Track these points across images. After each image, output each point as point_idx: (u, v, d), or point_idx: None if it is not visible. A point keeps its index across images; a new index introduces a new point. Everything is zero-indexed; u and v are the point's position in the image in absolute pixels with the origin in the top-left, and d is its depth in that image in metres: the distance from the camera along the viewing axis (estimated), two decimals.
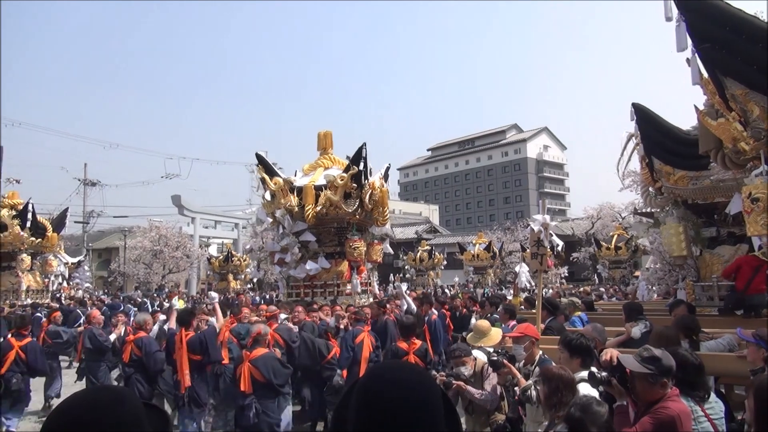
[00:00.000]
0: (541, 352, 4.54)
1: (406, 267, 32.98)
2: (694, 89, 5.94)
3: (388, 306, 9.42)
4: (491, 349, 5.04)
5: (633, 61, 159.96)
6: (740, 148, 5.44)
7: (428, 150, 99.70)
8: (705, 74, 5.52)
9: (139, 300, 20.28)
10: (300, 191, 11.47)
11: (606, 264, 27.92)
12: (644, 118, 7.96)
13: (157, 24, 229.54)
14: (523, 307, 9.48)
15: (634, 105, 7.99)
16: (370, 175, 11.91)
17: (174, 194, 40.43)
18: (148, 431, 1.18)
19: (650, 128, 8.00)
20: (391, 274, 29.45)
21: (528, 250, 8.66)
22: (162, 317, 8.63)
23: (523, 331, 4.57)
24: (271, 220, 12.10)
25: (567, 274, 30.90)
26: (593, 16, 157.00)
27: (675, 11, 5.10)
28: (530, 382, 3.98)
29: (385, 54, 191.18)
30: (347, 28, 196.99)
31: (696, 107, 6.42)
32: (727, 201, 6.87)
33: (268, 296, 22.52)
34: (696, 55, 5.27)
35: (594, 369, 3.42)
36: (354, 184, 11.32)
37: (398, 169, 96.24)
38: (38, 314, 11.67)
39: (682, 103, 9.44)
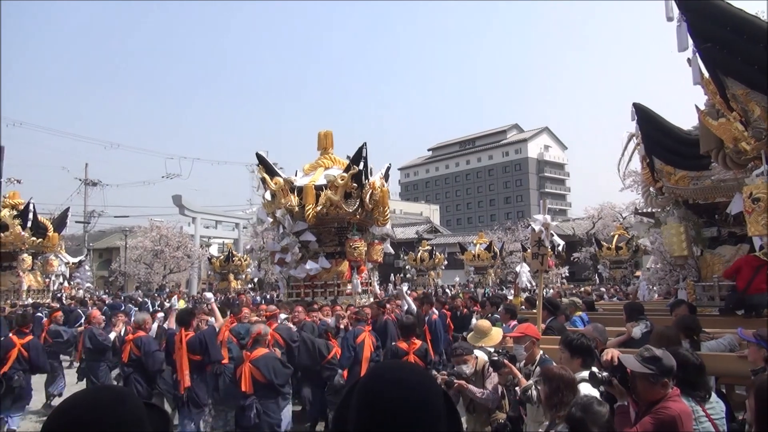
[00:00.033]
0: (541, 352, 4.54)
1: (407, 267, 33.00)
2: (694, 89, 5.94)
3: (388, 306, 9.42)
4: (492, 349, 5.04)
5: (633, 61, 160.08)
6: (741, 148, 5.44)
7: (429, 150, 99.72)
8: (706, 74, 5.51)
9: (140, 300, 20.30)
10: (300, 191, 11.47)
11: (607, 264, 27.92)
12: (645, 118, 7.95)
13: (157, 24, 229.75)
14: (523, 307, 9.48)
15: (635, 105, 7.99)
16: (371, 174, 11.91)
17: (175, 194, 40.45)
18: (149, 431, 1.18)
19: (651, 128, 7.99)
20: (392, 274, 29.48)
21: (529, 250, 8.66)
22: (160, 315, 8.63)
23: (524, 331, 4.57)
24: (271, 219, 12.10)
25: (568, 274, 30.90)
26: (593, 16, 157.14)
27: (676, 11, 5.10)
28: (531, 382, 3.98)
29: (385, 54, 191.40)
30: (347, 28, 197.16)
31: (697, 107, 6.42)
32: (728, 201, 6.86)
33: (268, 296, 22.55)
34: (697, 54, 5.26)
35: (595, 369, 3.42)
36: (354, 184, 11.32)
37: (399, 169, 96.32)
38: (39, 314, 11.68)
39: (683, 103, 9.46)
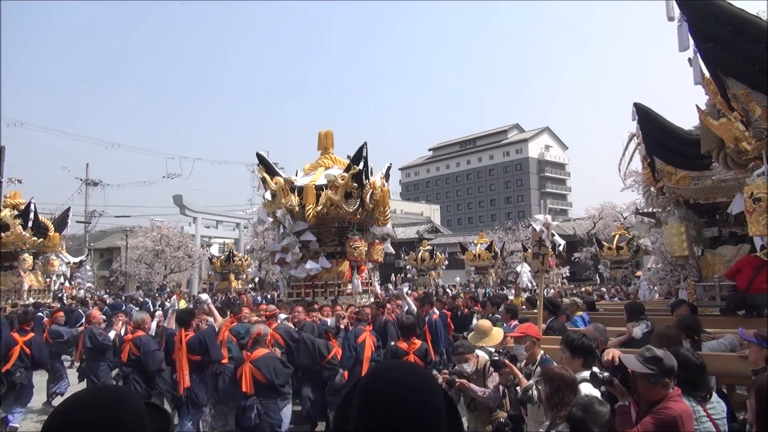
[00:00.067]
0: (542, 352, 4.54)
1: (408, 267, 33.00)
2: (694, 89, 5.93)
3: (388, 306, 9.41)
4: (493, 349, 5.04)
5: (633, 61, 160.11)
6: (742, 148, 5.43)
7: (429, 150, 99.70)
8: (707, 74, 5.51)
9: (141, 300, 20.31)
10: (301, 191, 11.47)
11: (607, 264, 27.91)
12: (646, 117, 7.95)
13: (157, 24, 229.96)
14: (524, 307, 9.47)
15: (635, 105, 7.98)
16: (371, 174, 11.90)
17: (175, 194, 40.42)
18: (150, 431, 1.18)
19: (652, 128, 7.99)
20: (393, 274, 29.51)
21: (529, 250, 8.65)
22: (158, 313, 8.60)
23: (525, 331, 4.57)
24: (271, 219, 12.10)
25: (568, 274, 30.88)
26: (593, 16, 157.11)
27: (677, 11, 5.10)
28: (531, 381, 3.98)
29: (385, 54, 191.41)
30: (347, 28, 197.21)
31: (698, 107, 6.41)
32: (728, 201, 6.85)
33: (269, 296, 22.54)
34: (698, 54, 5.26)
35: (596, 369, 3.42)
36: (355, 184, 11.32)
37: (400, 169, 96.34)
38: (40, 314, 11.69)
39: (683, 103, 9.45)
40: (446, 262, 32.89)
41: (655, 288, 12.63)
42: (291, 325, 7.72)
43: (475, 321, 8.81)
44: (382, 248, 12.87)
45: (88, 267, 26.45)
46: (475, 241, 32.49)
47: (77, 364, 10.12)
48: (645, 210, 15.35)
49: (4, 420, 7.20)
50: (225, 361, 6.57)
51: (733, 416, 3.67)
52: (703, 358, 3.41)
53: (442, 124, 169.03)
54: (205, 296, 8.28)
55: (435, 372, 5.21)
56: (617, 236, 28.03)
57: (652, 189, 8.87)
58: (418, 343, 6.35)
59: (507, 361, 4.37)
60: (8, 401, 7.07)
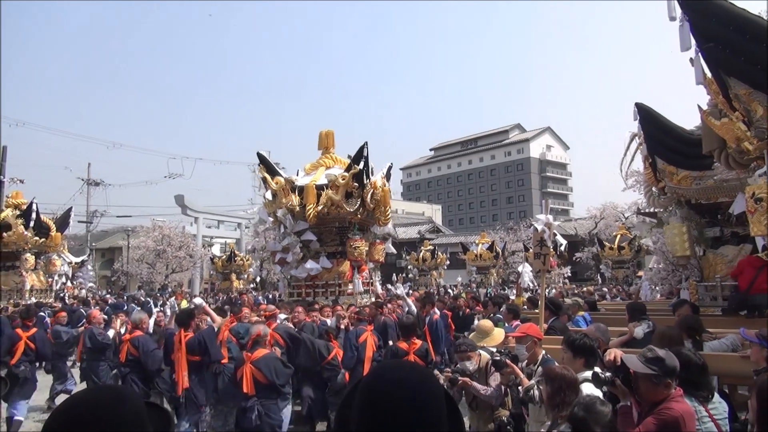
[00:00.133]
0: (544, 352, 4.53)
1: (409, 267, 33.02)
2: (695, 89, 5.92)
3: (388, 306, 9.41)
4: (494, 349, 5.04)
5: (634, 61, 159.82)
6: (744, 147, 5.42)
7: (431, 150, 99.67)
8: (708, 74, 5.50)
9: (143, 300, 20.32)
10: (301, 191, 11.47)
11: (609, 264, 27.90)
12: (647, 117, 7.94)
13: (157, 24, 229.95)
14: (526, 307, 9.46)
15: (637, 105, 7.97)
16: (372, 174, 11.90)
17: (177, 194, 40.43)
18: (150, 431, 1.18)
19: (653, 128, 7.98)
20: (394, 274, 29.47)
21: (531, 250, 8.66)
22: (157, 311, 8.59)
23: (526, 331, 4.56)
24: (272, 219, 12.11)
25: (570, 274, 30.88)
26: (593, 16, 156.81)
27: (678, 11, 5.09)
28: (533, 381, 3.98)
29: (385, 54, 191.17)
30: (347, 28, 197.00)
31: (699, 107, 6.40)
32: (730, 201, 6.85)
33: (270, 296, 22.55)
34: (699, 54, 5.25)
35: (598, 369, 3.42)
36: (355, 184, 11.32)
37: (401, 169, 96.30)
38: (41, 313, 11.70)
39: (684, 103, 9.42)
40: (448, 262, 32.89)
41: (657, 288, 12.59)
42: (291, 325, 7.71)
43: (476, 321, 8.80)
44: (383, 248, 12.86)
45: (89, 267, 26.49)
46: (477, 241, 32.50)
47: (77, 365, 10.13)
48: (646, 210, 15.34)
49: (9, 418, 7.27)
50: (225, 361, 6.57)
51: (735, 416, 3.66)
52: (705, 358, 3.41)
53: (443, 124, 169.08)
54: (198, 300, 8.20)
55: (437, 371, 5.20)
56: (619, 236, 28.02)
57: (653, 189, 8.86)
58: (419, 343, 6.33)
59: (508, 361, 4.37)
60: (12, 395, 7.23)
